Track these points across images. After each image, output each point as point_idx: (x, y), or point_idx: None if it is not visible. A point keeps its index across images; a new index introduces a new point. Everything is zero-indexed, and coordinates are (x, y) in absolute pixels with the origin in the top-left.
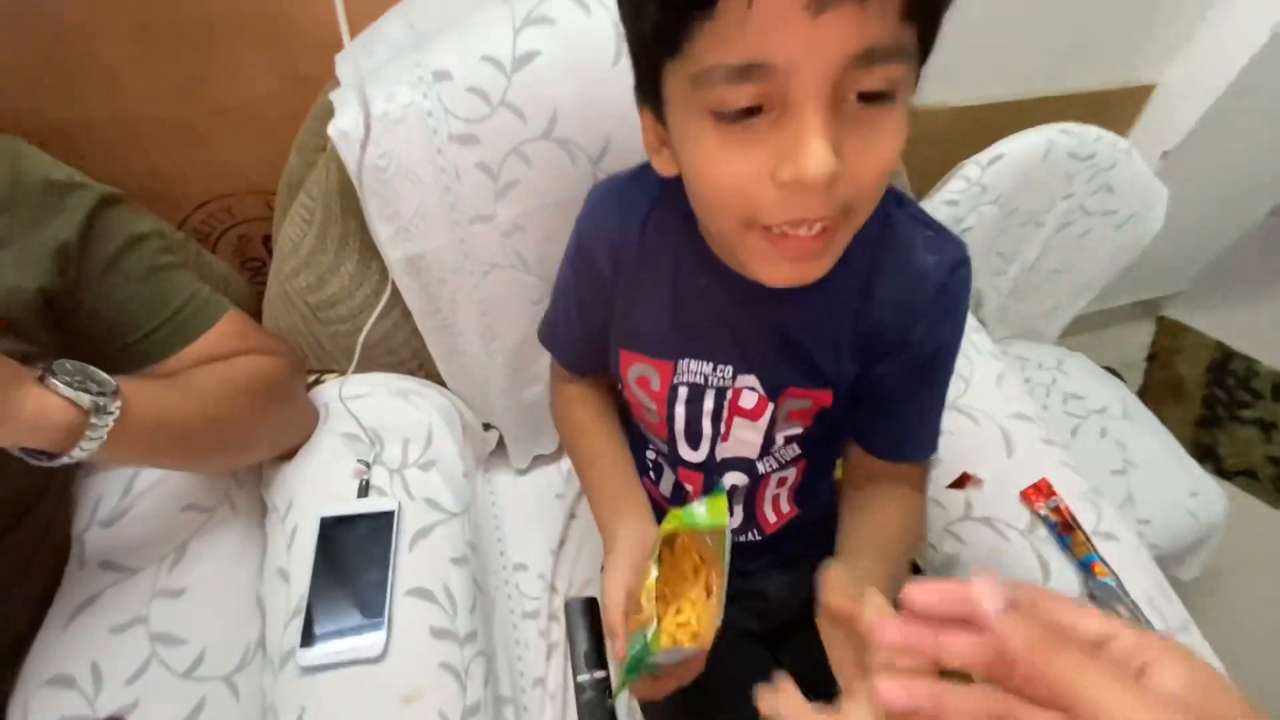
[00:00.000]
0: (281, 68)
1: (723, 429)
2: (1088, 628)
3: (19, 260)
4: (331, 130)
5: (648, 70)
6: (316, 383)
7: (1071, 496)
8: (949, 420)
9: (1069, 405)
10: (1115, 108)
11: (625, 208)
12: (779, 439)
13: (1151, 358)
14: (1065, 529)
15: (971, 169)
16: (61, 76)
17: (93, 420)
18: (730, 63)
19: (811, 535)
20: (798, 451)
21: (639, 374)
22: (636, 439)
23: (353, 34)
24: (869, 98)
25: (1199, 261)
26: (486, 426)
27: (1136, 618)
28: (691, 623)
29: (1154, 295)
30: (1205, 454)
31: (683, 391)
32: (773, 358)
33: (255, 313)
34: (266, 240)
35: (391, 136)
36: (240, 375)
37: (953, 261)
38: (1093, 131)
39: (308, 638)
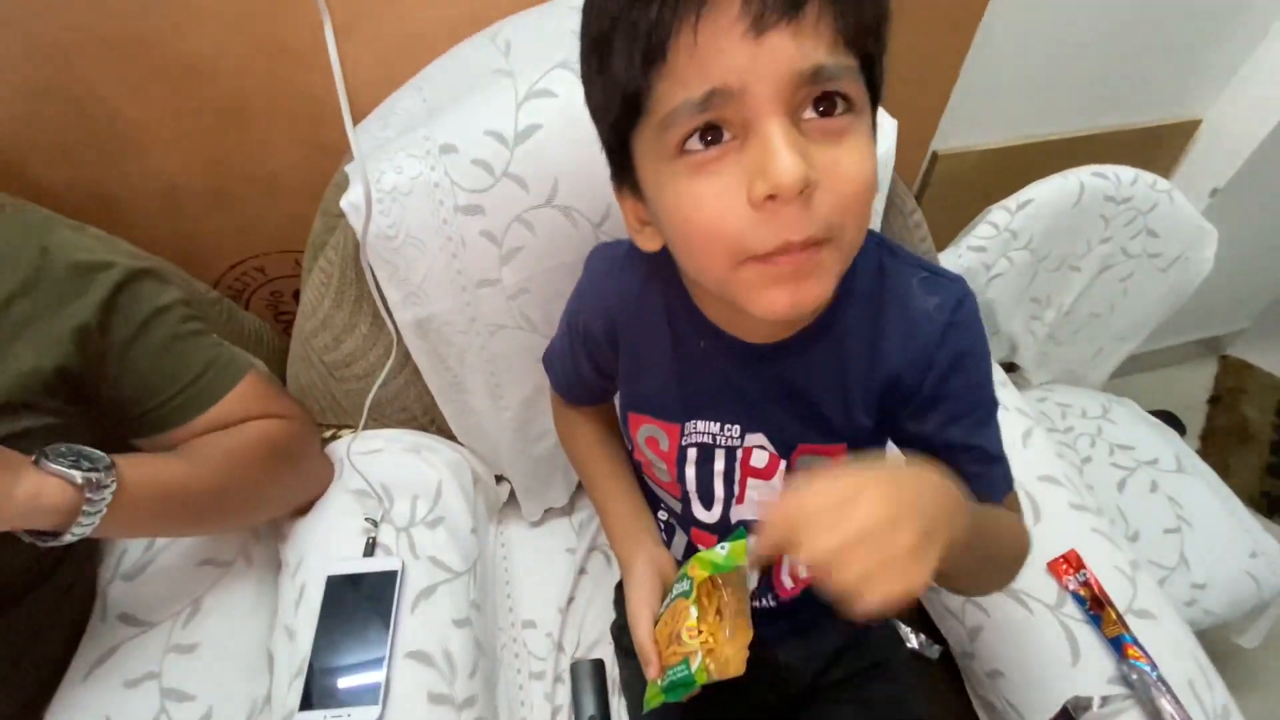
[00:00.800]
0: (306, 137)
1: (736, 490)
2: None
3: (38, 342)
4: (343, 202)
5: (619, 147)
6: (333, 438)
7: (1104, 569)
8: None
9: (1116, 456)
10: (1160, 145)
11: (621, 281)
12: None
13: (1214, 399)
14: (1096, 605)
15: (999, 214)
16: (101, 148)
17: (89, 496)
18: (690, 98)
19: (829, 602)
20: None
21: (648, 434)
22: (650, 499)
23: (369, 107)
24: (827, 110)
25: (1259, 299)
26: (499, 479)
27: (1174, 710)
28: (725, 655)
29: (1214, 333)
30: (1275, 505)
31: (692, 453)
32: (780, 415)
33: (284, 360)
34: (297, 295)
35: (400, 207)
36: (249, 441)
37: (955, 300)
38: (1128, 173)
39: (306, 701)
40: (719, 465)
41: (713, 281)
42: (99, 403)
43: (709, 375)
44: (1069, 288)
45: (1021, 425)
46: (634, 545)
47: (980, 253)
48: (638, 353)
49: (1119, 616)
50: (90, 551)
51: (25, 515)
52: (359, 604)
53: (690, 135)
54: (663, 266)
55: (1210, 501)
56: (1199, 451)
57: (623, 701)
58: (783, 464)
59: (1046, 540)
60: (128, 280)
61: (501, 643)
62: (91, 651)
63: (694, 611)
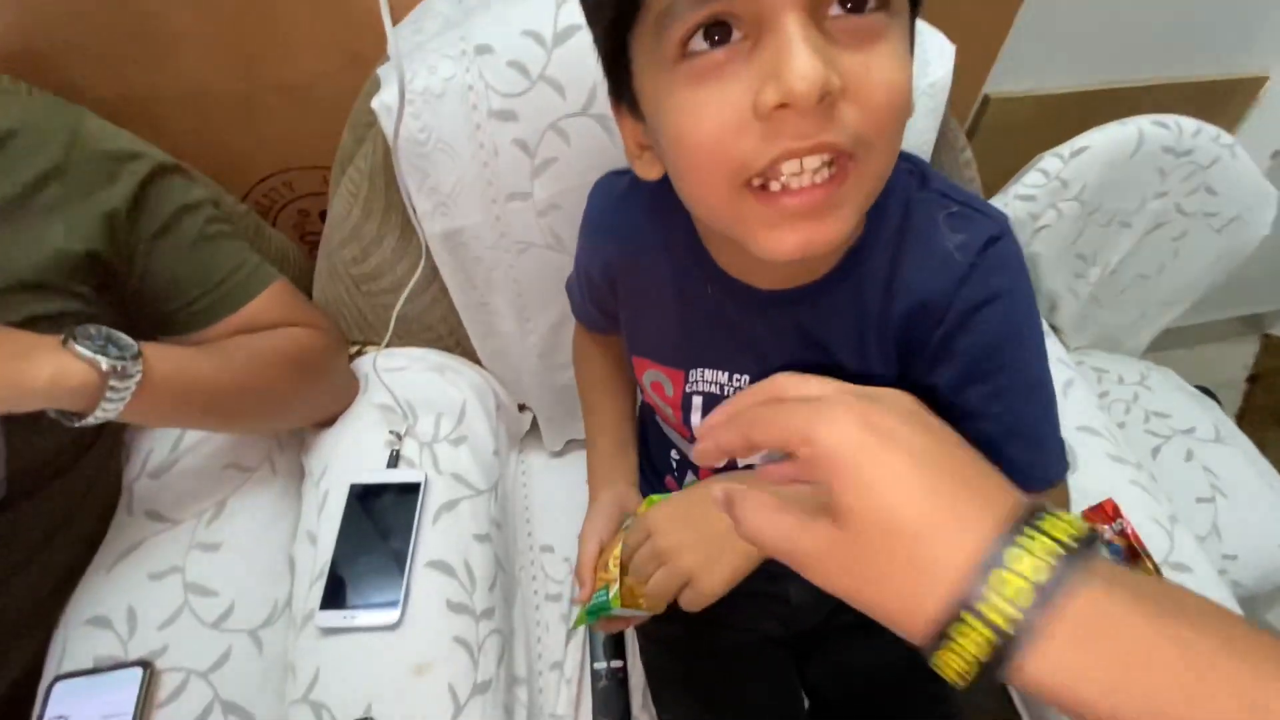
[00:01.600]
0: (340, 46)
1: None
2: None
3: (69, 225)
4: (374, 103)
5: (616, 54)
6: (359, 353)
7: (1141, 521)
8: None
9: (1151, 424)
10: (1221, 100)
11: (621, 217)
12: None
13: (1253, 379)
14: (1131, 555)
15: (1051, 162)
16: (136, 50)
17: (113, 383)
18: None
19: None
20: None
21: (653, 379)
22: (661, 438)
23: (404, 11)
24: (856, 6)
25: None
26: (522, 408)
27: None
28: (638, 589)
29: (1258, 310)
30: None
31: (697, 400)
32: (795, 364)
33: (310, 285)
34: (323, 215)
35: (432, 111)
36: (276, 346)
37: (985, 237)
38: (1191, 124)
39: (328, 601)
40: None
41: (713, 214)
42: (127, 296)
43: (716, 321)
44: (1117, 245)
45: (1063, 375)
46: (604, 482)
47: (1028, 202)
48: (639, 295)
49: (1155, 568)
50: (116, 444)
51: (49, 396)
52: (381, 513)
53: (693, 33)
54: (667, 200)
55: (1247, 472)
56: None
57: (634, 631)
58: None
59: (1083, 489)
60: (157, 173)
61: (520, 564)
62: (117, 544)
63: (620, 544)
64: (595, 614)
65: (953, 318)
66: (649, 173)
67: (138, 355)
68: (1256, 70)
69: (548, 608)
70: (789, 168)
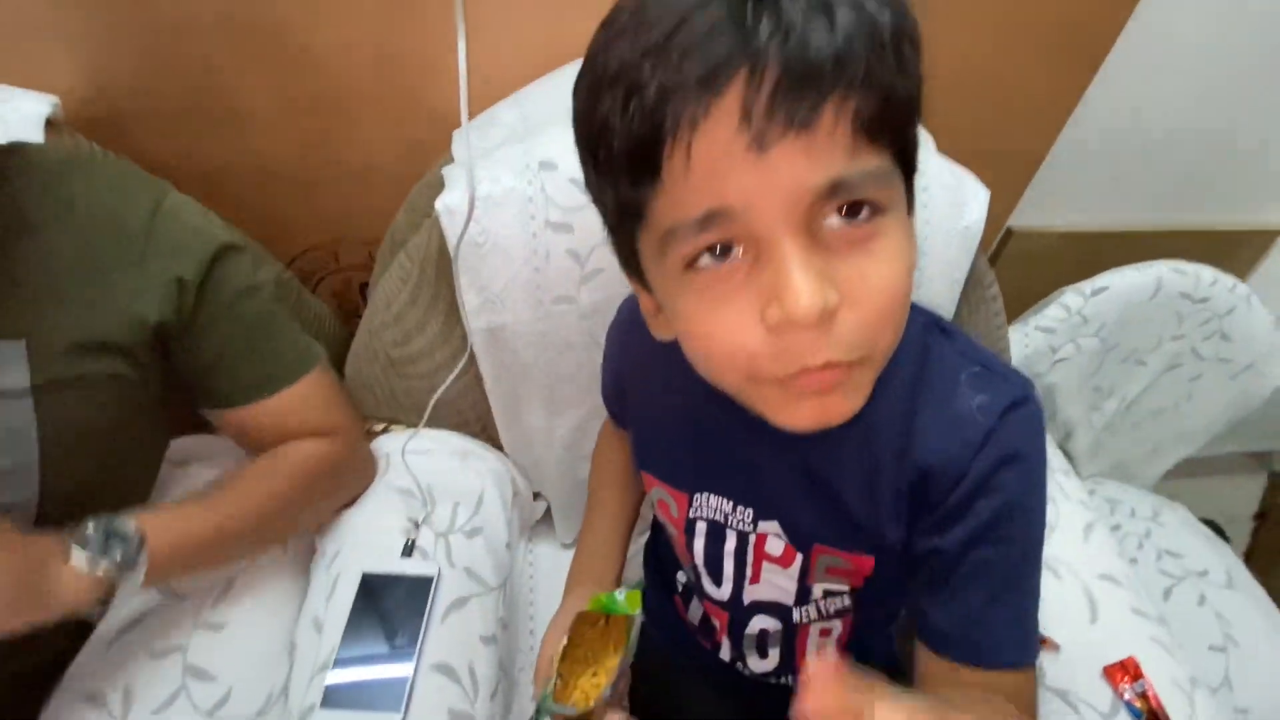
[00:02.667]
0: (402, 134)
1: (749, 571)
2: None
3: (142, 292)
4: (439, 204)
5: (625, 244)
6: (385, 430)
7: (1162, 682)
8: None
9: (1164, 563)
10: (1235, 249)
11: (640, 334)
12: (817, 590)
13: (1261, 516)
14: (1151, 719)
15: (1072, 298)
16: (207, 123)
17: (124, 578)
18: (689, 218)
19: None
20: (845, 604)
21: (659, 497)
22: (671, 556)
23: (471, 114)
24: (851, 213)
25: None
26: (536, 496)
27: None
28: (572, 686)
29: (1268, 448)
30: None
31: (701, 526)
32: (798, 505)
33: (342, 353)
34: (363, 288)
35: (491, 216)
36: (294, 472)
37: (1006, 402)
38: (1208, 273)
39: (329, 699)
40: (730, 544)
41: (731, 390)
42: (177, 366)
43: (723, 447)
44: (1134, 381)
45: (1084, 517)
46: (576, 581)
47: (1048, 334)
48: (652, 408)
49: None
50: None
51: (68, 608)
52: (391, 606)
53: (698, 255)
54: None
55: (1259, 623)
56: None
57: None
58: (799, 556)
59: (1103, 642)
60: (228, 251)
61: (519, 665)
62: (121, 616)
63: (564, 640)
64: (539, 712)
65: (972, 479)
66: (663, 334)
67: (141, 543)
68: (1272, 223)
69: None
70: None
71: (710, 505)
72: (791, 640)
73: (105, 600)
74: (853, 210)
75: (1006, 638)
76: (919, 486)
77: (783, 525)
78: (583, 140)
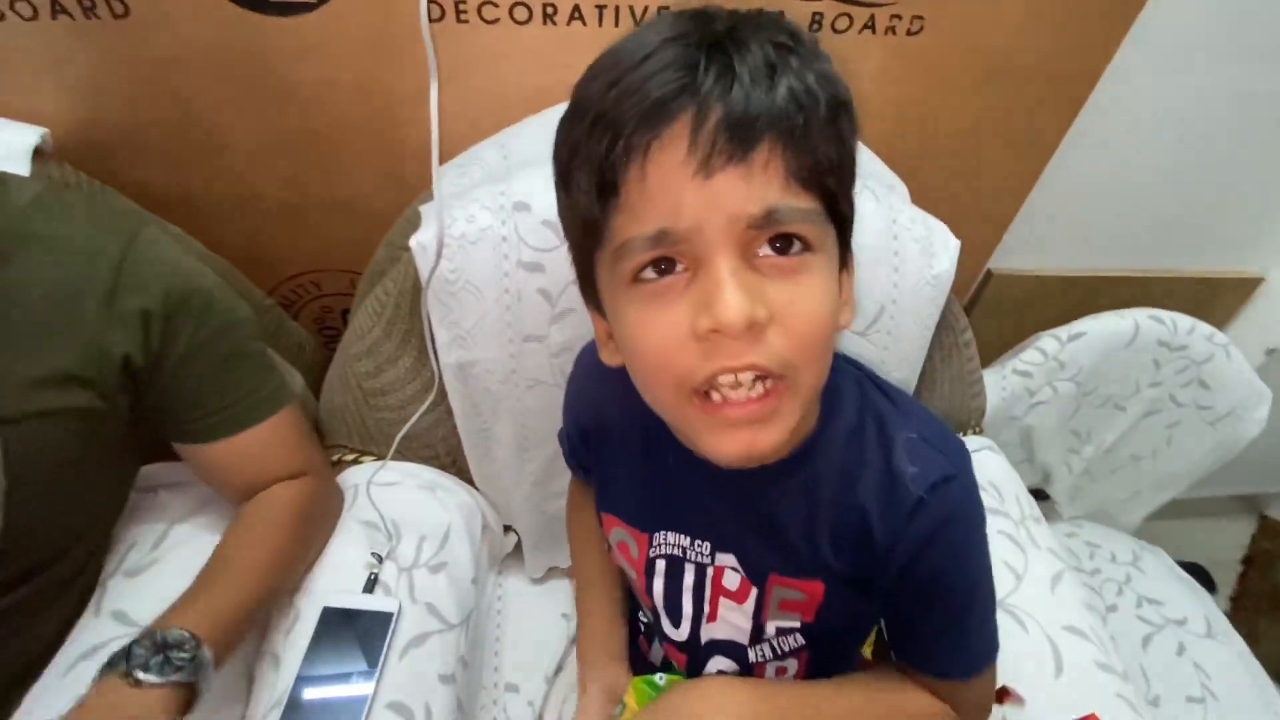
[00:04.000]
0: (386, 170)
1: (707, 608)
2: None
3: (112, 323)
4: (412, 241)
5: (585, 268)
6: (355, 462)
7: None
8: None
9: (1143, 610)
10: (1216, 296)
11: (600, 382)
12: (770, 628)
13: (1248, 560)
14: None
15: (1049, 342)
16: (194, 155)
17: (200, 677)
18: (642, 233)
19: None
20: (800, 643)
21: (619, 538)
22: (634, 599)
23: (453, 153)
24: (783, 248)
25: None
26: (507, 529)
27: None
28: None
29: (1256, 491)
30: None
31: (660, 565)
32: (750, 540)
33: (321, 379)
34: (345, 313)
35: (465, 255)
36: (281, 522)
37: (936, 478)
38: (1186, 321)
39: None
40: (688, 579)
41: (664, 413)
42: (147, 402)
43: (679, 489)
44: (1112, 426)
45: (1053, 567)
46: (592, 666)
47: (1025, 377)
48: (611, 454)
49: None
50: (105, 536)
51: None
52: (350, 641)
53: (644, 267)
54: None
55: (1238, 676)
56: (1228, 613)
57: None
58: (754, 590)
59: (1067, 696)
60: (200, 287)
61: (481, 703)
62: (79, 644)
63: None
64: None
65: (906, 546)
66: (613, 360)
67: (196, 641)
68: (1254, 270)
69: None
70: (725, 380)
71: (669, 541)
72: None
73: (192, 700)
74: (784, 245)
75: (952, 659)
76: (860, 529)
77: (739, 559)
78: (558, 165)
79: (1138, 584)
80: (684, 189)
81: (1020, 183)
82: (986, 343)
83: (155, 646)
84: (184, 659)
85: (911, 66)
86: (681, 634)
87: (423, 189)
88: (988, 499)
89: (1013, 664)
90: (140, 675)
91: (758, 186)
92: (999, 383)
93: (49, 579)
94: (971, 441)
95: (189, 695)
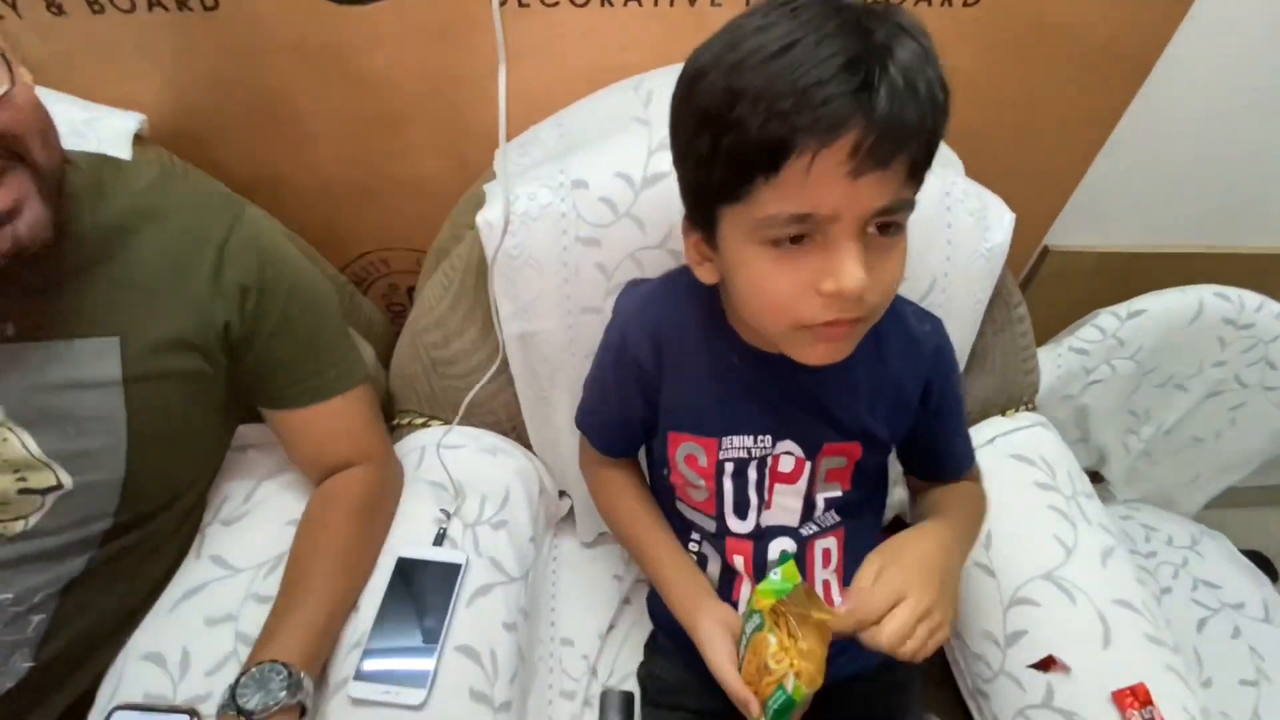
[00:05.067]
0: (451, 152)
1: (766, 497)
2: None
3: (217, 294)
4: (479, 218)
5: (704, 210)
6: (424, 426)
7: (1173, 711)
8: (1038, 591)
9: (1199, 593)
10: None
11: (667, 307)
12: (819, 502)
13: None
14: None
15: (1108, 319)
16: (275, 139)
17: (303, 699)
18: (788, 211)
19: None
20: (836, 519)
21: (687, 452)
22: (681, 525)
23: (513, 133)
24: (883, 228)
25: None
26: (561, 494)
27: None
28: (810, 670)
29: None
30: None
31: (729, 466)
32: (806, 422)
33: (390, 351)
34: (410, 291)
35: (527, 231)
36: (348, 510)
37: (941, 331)
38: (1253, 299)
39: (361, 674)
40: (752, 475)
41: (766, 332)
42: (242, 369)
43: (743, 390)
44: (1172, 406)
45: (1103, 543)
46: (694, 607)
47: (1082, 355)
48: (681, 372)
49: None
50: (207, 489)
51: None
52: (422, 589)
53: (784, 238)
54: (700, 294)
55: None
56: None
57: None
58: (808, 465)
59: (1115, 668)
60: (294, 265)
61: (539, 655)
62: (183, 584)
63: (772, 640)
64: (780, 716)
65: (924, 378)
66: (708, 278)
67: (288, 670)
68: None
69: (560, 704)
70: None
71: (735, 445)
72: (801, 560)
73: (303, 714)
74: (885, 228)
75: (965, 453)
76: (896, 388)
77: (795, 440)
78: (703, 114)
79: (1194, 567)
80: (836, 184)
81: (1079, 157)
82: (1043, 321)
83: (256, 683)
84: (283, 686)
85: (967, 38)
86: (748, 525)
87: (484, 170)
88: (1038, 474)
89: (1060, 635)
90: (249, 709)
91: (890, 185)
92: (1054, 360)
93: (160, 525)
94: (1023, 417)
95: (299, 712)
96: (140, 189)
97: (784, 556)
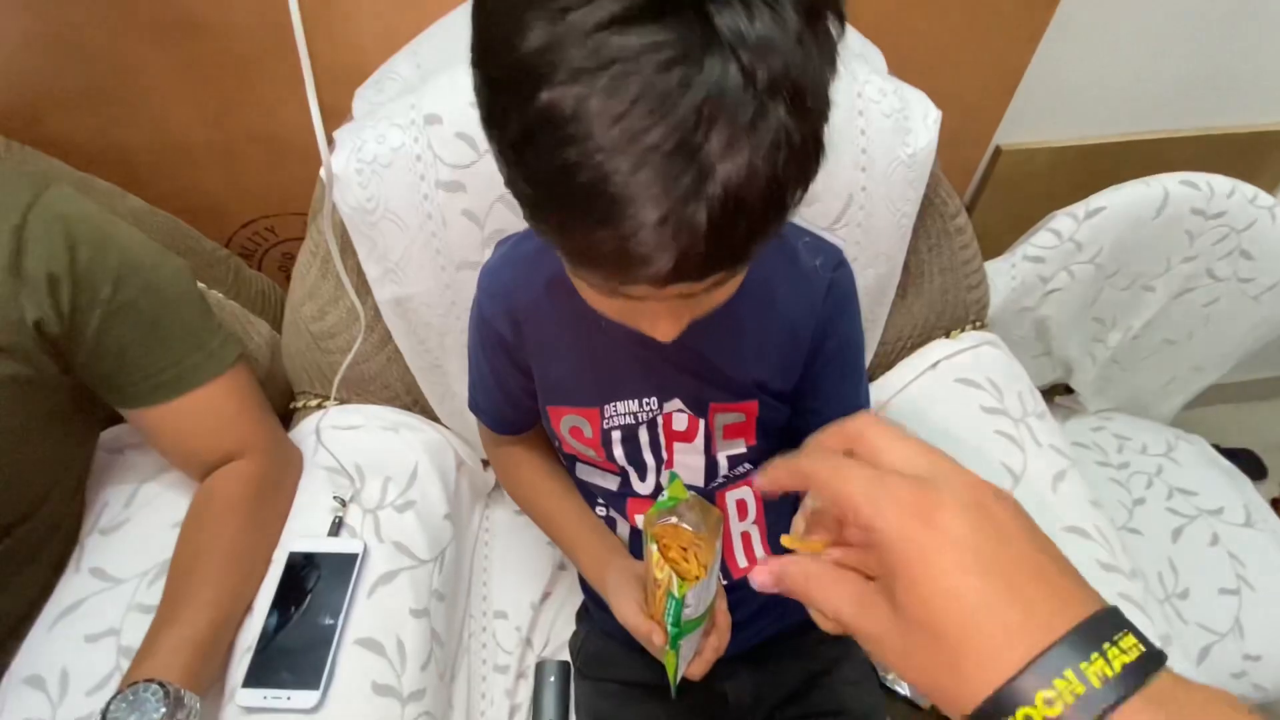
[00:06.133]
0: (305, 100)
1: (665, 456)
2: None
3: (20, 288)
4: (322, 172)
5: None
6: (319, 408)
7: None
8: None
9: (1174, 501)
10: (1260, 154)
11: (519, 276)
12: (721, 460)
13: None
14: None
15: (1064, 221)
16: (107, 102)
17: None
18: (598, 283)
19: (788, 633)
20: (749, 468)
21: (571, 425)
22: (588, 493)
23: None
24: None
25: None
26: (486, 464)
27: None
28: (691, 567)
29: None
30: None
31: (616, 435)
32: (690, 381)
33: None
34: None
35: (380, 180)
36: (229, 509)
37: (835, 262)
38: (1224, 184)
39: (250, 678)
40: (644, 437)
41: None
42: (76, 366)
43: (618, 355)
44: (1140, 309)
45: (1055, 466)
46: (603, 565)
47: (1037, 263)
48: (546, 342)
49: None
50: (76, 496)
51: None
52: (317, 584)
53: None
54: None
55: (1278, 563)
56: (1277, 501)
57: (578, 714)
58: (701, 423)
59: None
60: (110, 245)
61: (470, 631)
62: (62, 600)
63: (653, 549)
64: (678, 631)
65: (820, 331)
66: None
67: (166, 689)
68: None
69: (494, 679)
70: None
71: (619, 411)
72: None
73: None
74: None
75: (865, 400)
76: (791, 334)
77: (682, 399)
78: (518, 127)
79: (1170, 475)
80: (643, 289)
81: (1024, 38)
82: (999, 230)
83: (129, 705)
84: (157, 707)
85: None
86: (648, 486)
87: (349, 116)
88: (985, 397)
89: None
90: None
91: (698, 287)
92: (1008, 271)
93: (21, 540)
94: (968, 337)
95: None
96: None
97: (671, 475)
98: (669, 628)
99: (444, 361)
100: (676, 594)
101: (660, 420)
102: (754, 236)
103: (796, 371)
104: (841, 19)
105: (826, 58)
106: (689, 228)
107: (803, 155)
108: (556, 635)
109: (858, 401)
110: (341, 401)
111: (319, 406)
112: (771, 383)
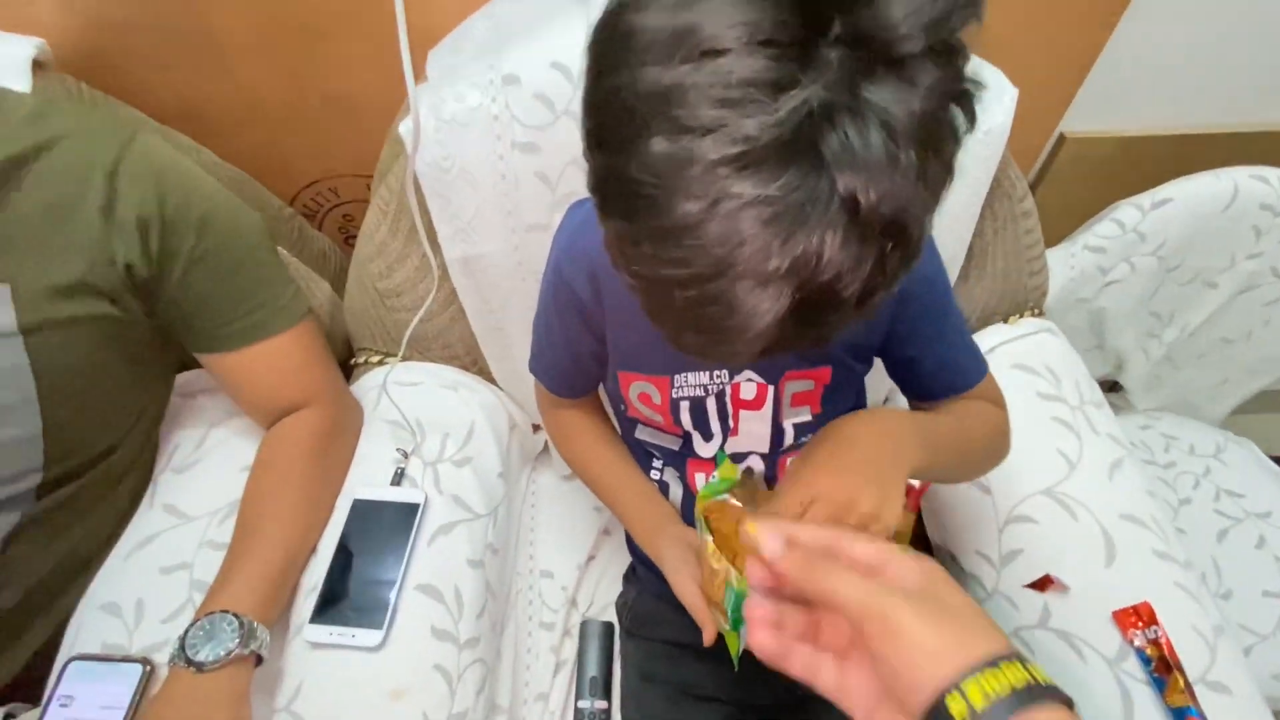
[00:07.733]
0: (384, 60)
1: (731, 424)
2: (857, 552)
3: (112, 231)
4: (400, 128)
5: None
6: (381, 364)
7: (1180, 629)
8: (1037, 508)
9: (1221, 503)
10: None
11: (594, 238)
12: (788, 428)
13: None
14: (1162, 668)
15: (1128, 212)
16: (191, 58)
17: (257, 644)
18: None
19: None
20: (811, 437)
21: (640, 391)
22: (642, 455)
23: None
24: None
25: None
26: (536, 429)
27: None
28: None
29: None
30: None
31: (684, 405)
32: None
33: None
34: None
35: (457, 139)
36: (296, 457)
37: None
38: None
39: (318, 615)
40: (711, 408)
41: None
42: (159, 308)
43: None
44: (1200, 305)
45: (1112, 454)
46: (657, 533)
47: (1098, 253)
48: (623, 308)
49: (1187, 685)
50: (150, 438)
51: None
52: (380, 530)
53: None
54: None
55: None
56: None
57: (624, 672)
58: (770, 390)
59: (1117, 586)
60: (197, 192)
61: (518, 588)
62: (137, 533)
63: (710, 540)
64: (739, 619)
65: (907, 290)
66: None
67: (239, 620)
68: None
69: (540, 635)
70: None
71: (689, 382)
72: (774, 476)
73: (259, 662)
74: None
75: (963, 365)
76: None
77: (754, 369)
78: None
79: (1218, 476)
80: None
81: (1096, 26)
82: (1058, 219)
83: (205, 633)
84: (233, 636)
85: None
86: (711, 448)
87: (420, 78)
88: (1042, 384)
89: (1059, 553)
90: (199, 660)
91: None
92: (1067, 260)
93: (98, 477)
94: (1027, 324)
95: (255, 662)
96: (12, 127)
97: (720, 456)
98: (729, 612)
99: (505, 324)
100: (736, 586)
101: (729, 390)
102: (832, 334)
103: (884, 326)
104: (950, 170)
105: (933, 196)
106: (779, 341)
107: (895, 279)
108: (600, 597)
109: (956, 359)
110: (404, 359)
111: (380, 363)
112: (846, 353)
